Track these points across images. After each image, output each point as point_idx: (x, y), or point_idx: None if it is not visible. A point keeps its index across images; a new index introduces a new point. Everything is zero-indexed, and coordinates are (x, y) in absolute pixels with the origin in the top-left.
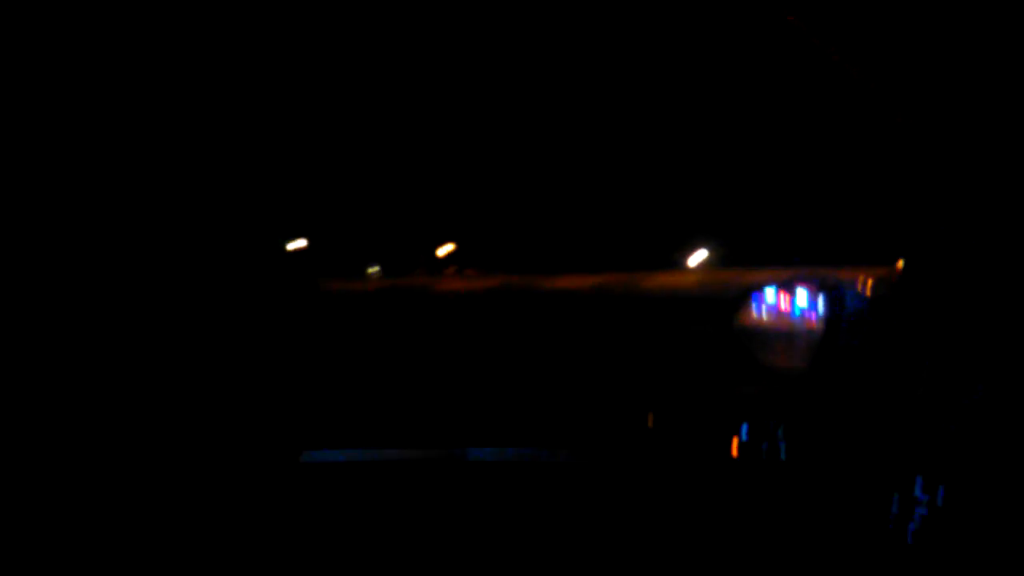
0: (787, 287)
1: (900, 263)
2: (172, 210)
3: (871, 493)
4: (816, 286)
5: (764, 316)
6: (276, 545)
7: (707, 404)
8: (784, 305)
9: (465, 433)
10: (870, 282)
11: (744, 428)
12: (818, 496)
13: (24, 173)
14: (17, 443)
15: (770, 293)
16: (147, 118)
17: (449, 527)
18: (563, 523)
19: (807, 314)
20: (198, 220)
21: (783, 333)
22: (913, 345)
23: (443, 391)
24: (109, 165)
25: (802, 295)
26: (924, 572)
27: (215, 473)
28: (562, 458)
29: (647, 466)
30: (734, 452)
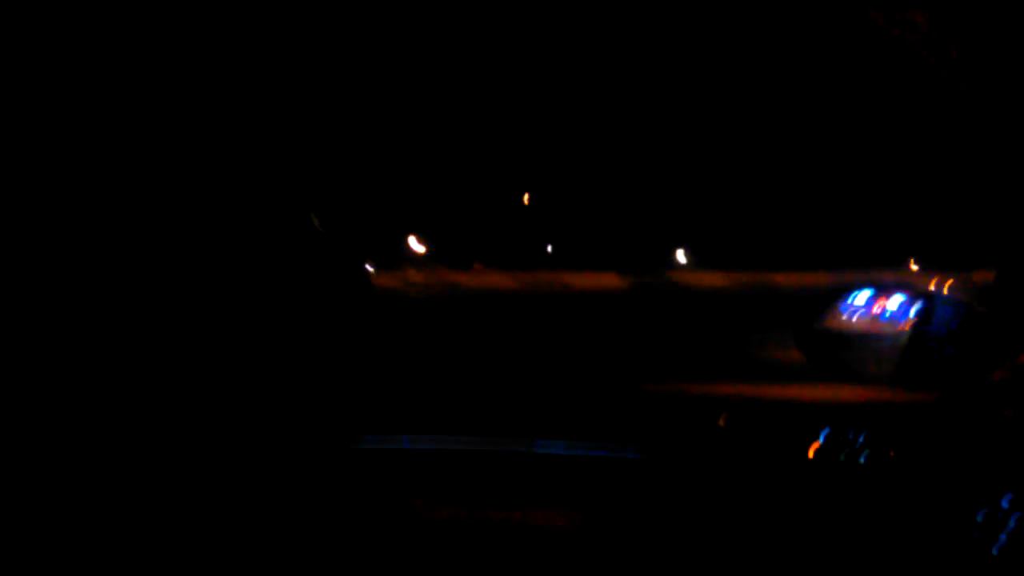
0: (879, 291)
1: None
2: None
3: (955, 506)
4: (908, 291)
5: (852, 319)
6: (331, 529)
7: (784, 406)
8: (874, 309)
9: (531, 425)
10: (961, 287)
11: (823, 434)
12: (898, 506)
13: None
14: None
15: (860, 296)
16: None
17: (515, 519)
18: (631, 520)
19: (898, 319)
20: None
21: (871, 338)
22: (1009, 355)
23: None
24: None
25: (894, 300)
26: None
27: (261, 454)
28: (630, 455)
29: (718, 467)
30: (810, 455)
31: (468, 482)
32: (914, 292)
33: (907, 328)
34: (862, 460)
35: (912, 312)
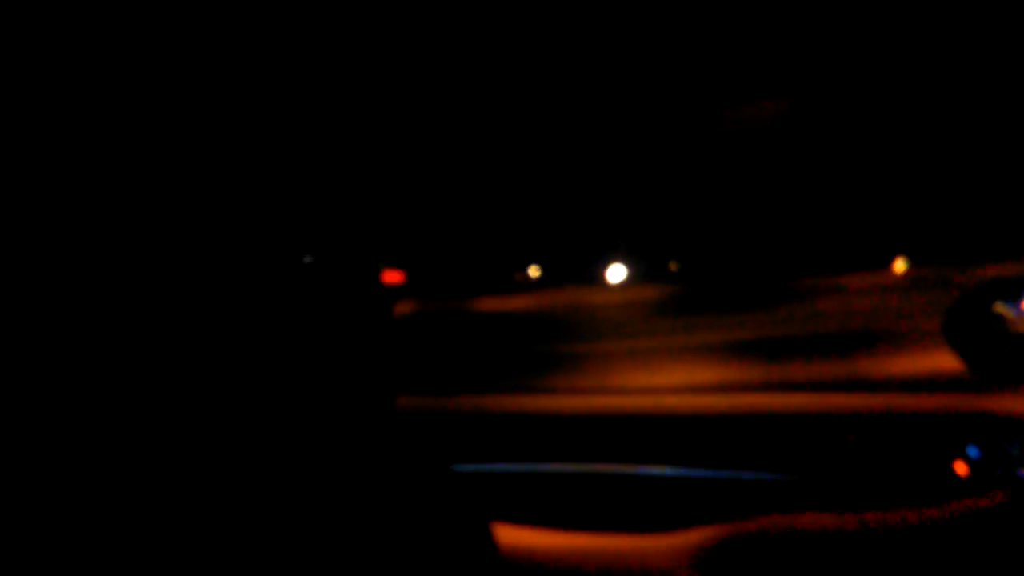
0: None
1: None
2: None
3: None
4: None
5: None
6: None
7: (923, 418)
8: None
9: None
10: None
11: (974, 449)
12: None
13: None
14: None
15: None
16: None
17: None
18: (750, 548)
19: None
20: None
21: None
22: None
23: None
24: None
25: None
26: None
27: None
28: (747, 476)
29: (851, 489)
30: (960, 472)
31: (560, 505)
32: None
33: None
34: (1021, 475)
35: None
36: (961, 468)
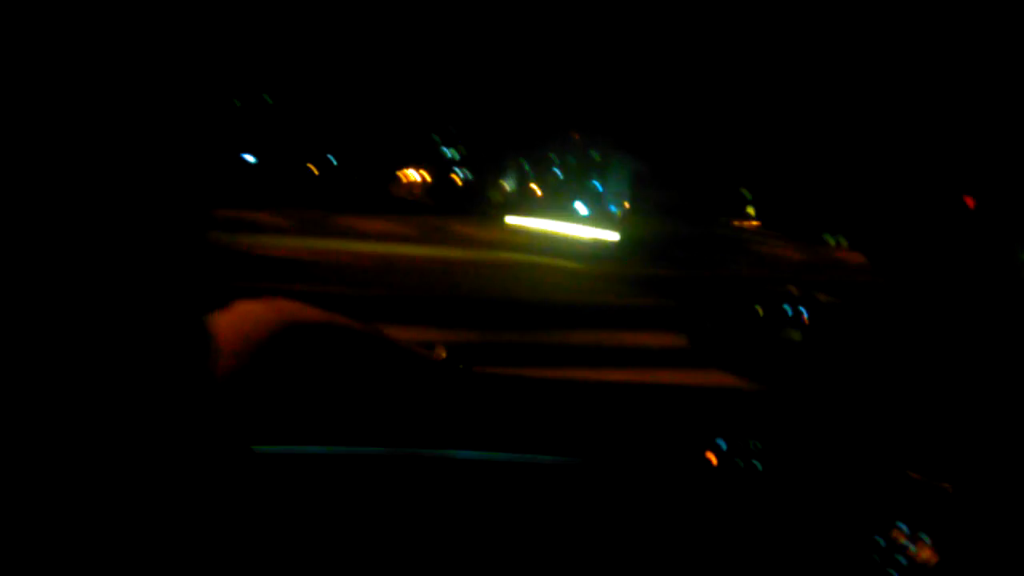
0: (764, 294)
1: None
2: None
3: (856, 516)
4: (792, 292)
5: (734, 323)
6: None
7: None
8: (761, 312)
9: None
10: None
11: (722, 442)
12: (799, 517)
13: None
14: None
15: (744, 300)
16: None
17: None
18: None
19: (784, 321)
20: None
21: (757, 340)
22: (900, 356)
23: None
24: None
25: (780, 302)
26: None
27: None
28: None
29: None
30: (713, 462)
31: (367, 490)
32: (797, 294)
33: (795, 331)
34: (758, 468)
35: (797, 314)
36: (712, 458)
